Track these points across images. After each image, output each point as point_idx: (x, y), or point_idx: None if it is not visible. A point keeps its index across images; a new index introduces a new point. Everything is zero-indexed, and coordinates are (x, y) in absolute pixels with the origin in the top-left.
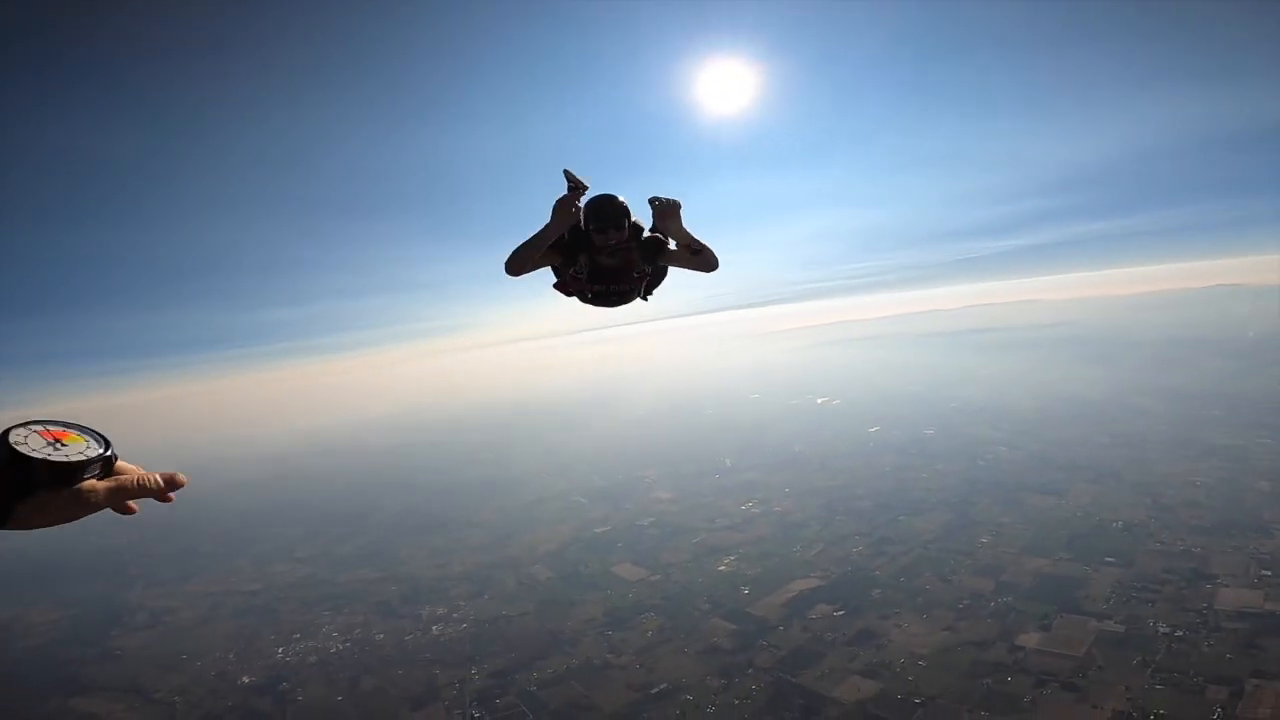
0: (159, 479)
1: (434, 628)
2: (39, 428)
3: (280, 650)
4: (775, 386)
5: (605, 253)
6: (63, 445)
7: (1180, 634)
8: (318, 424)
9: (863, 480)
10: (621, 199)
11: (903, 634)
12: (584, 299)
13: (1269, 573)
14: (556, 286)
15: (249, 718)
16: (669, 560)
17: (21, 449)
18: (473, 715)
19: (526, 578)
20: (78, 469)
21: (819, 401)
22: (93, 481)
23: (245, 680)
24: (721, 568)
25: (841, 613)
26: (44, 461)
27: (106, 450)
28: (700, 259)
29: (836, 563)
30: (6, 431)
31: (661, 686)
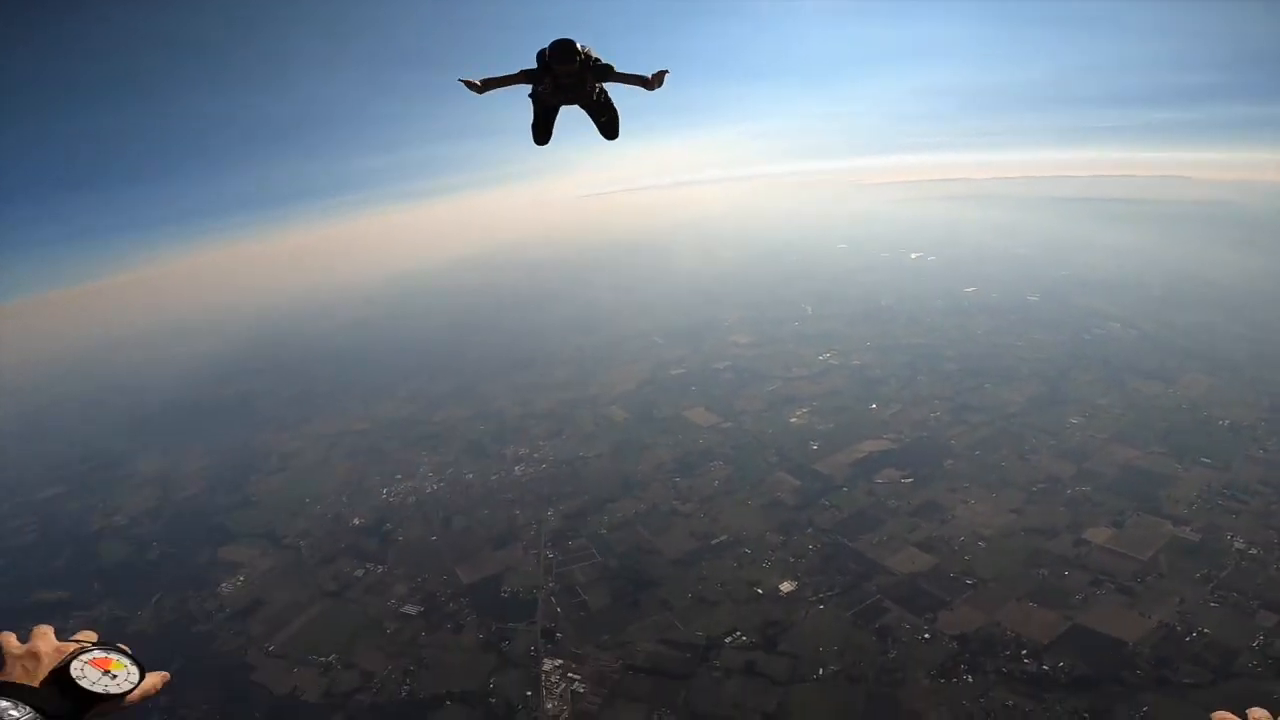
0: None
1: (516, 468)
2: (88, 657)
3: (384, 491)
4: (867, 239)
5: (563, 76)
6: (114, 675)
7: (1254, 552)
8: (412, 266)
9: (952, 341)
10: (574, 41)
11: (968, 511)
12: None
13: None
14: (531, 95)
15: (359, 558)
16: (741, 408)
17: (83, 684)
18: (546, 555)
19: (603, 418)
20: (125, 694)
21: (913, 256)
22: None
23: (356, 522)
24: (793, 420)
25: (909, 480)
26: (105, 694)
27: (141, 676)
28: (644, 82)
29: (912, 426)
30: (67, 666)
31: (722, 538)
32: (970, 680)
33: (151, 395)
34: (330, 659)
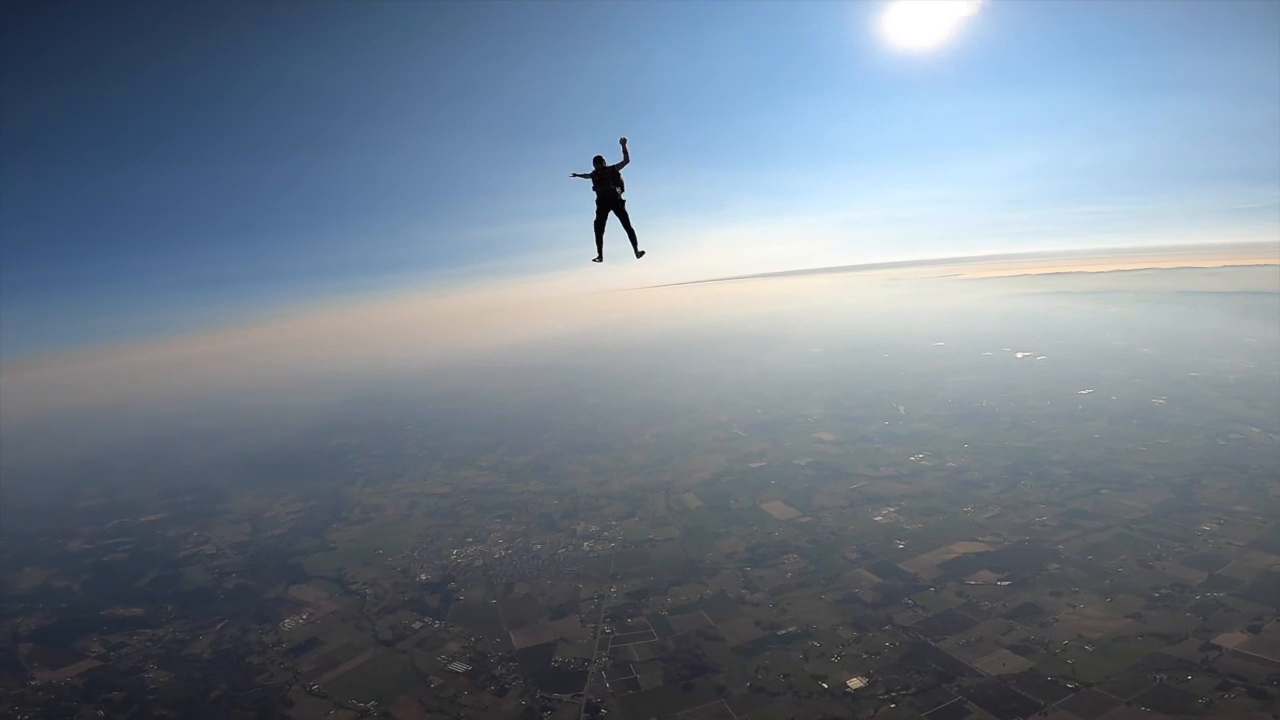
0: None
1: (585, 544)
2: None
3: (455, 552)
4: (967, 336)
5: (597, 173)
6: None
7: None
8: (505, 341)
9: (1062, 446)
10: (601, 157)
11: (1075, 615)
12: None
13: None
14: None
15: (419, 611)
16: (822, 504)
17: None
18: (604, 630)
19: (677, 504)
20: None
21: (1019, 356)
22: None
23: (422, 578)
24: (878, 518)
25: (1007, 583)
26: None
27: None
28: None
29: (1013, 530)
30: None
31: (790, 629)
32: None
33: (261, 439)
34: (369, 705)
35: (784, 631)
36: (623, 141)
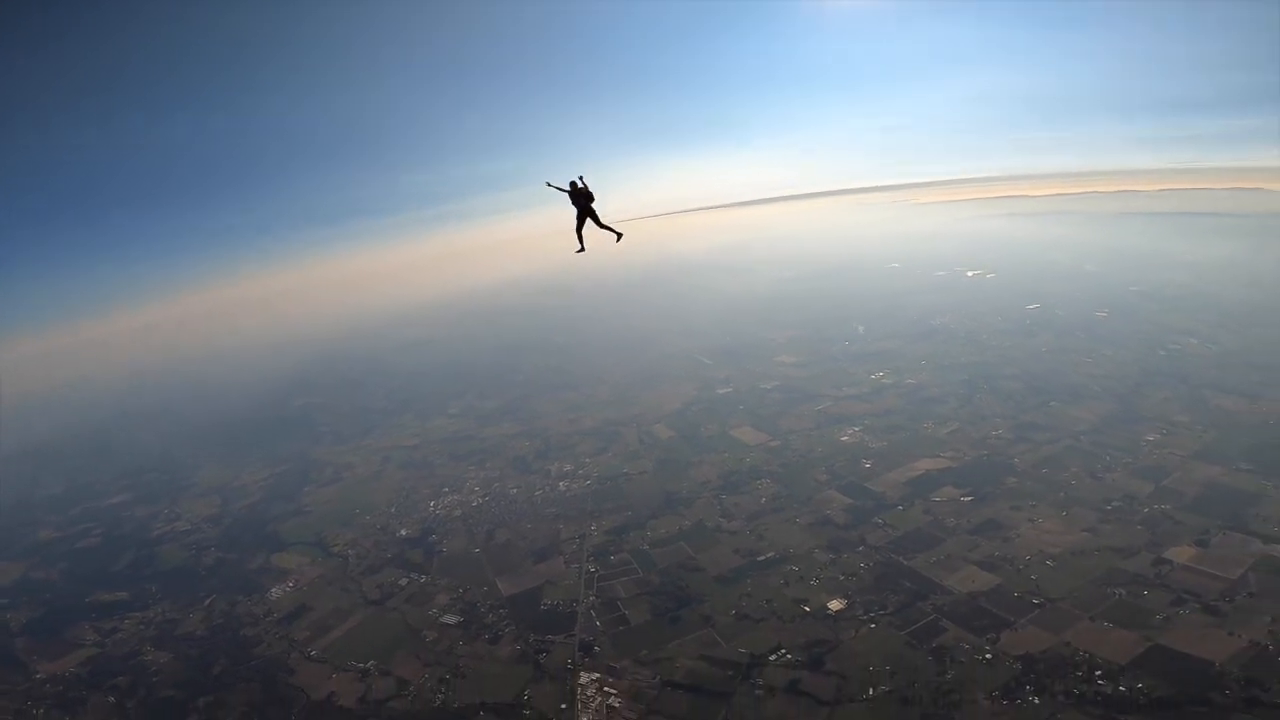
0: None
1: (561, 483)
2: None
3: (432, 504)
4: (922, 258)
5: (576, 191)
6: None
7: None
8: (463, 288)
9: (1013, 360)
10: (575, 182)
11: (1035, 530)
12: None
13: None
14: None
15: (403, 568)
16: (790, 426)
17: None
18: (588, 569)
19: (648, 436)
20: None
21: (970, 275)
22: None
23: (403, 533)
24: (844, 438)
25: (969, 498)
26: None
27: None
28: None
29: (971, 444)
30: None
31: (769, 555)
32: (1036, 701)
33: (218, 409)
34: (369, 665)
35: (763, 558)
36: (582, 180)
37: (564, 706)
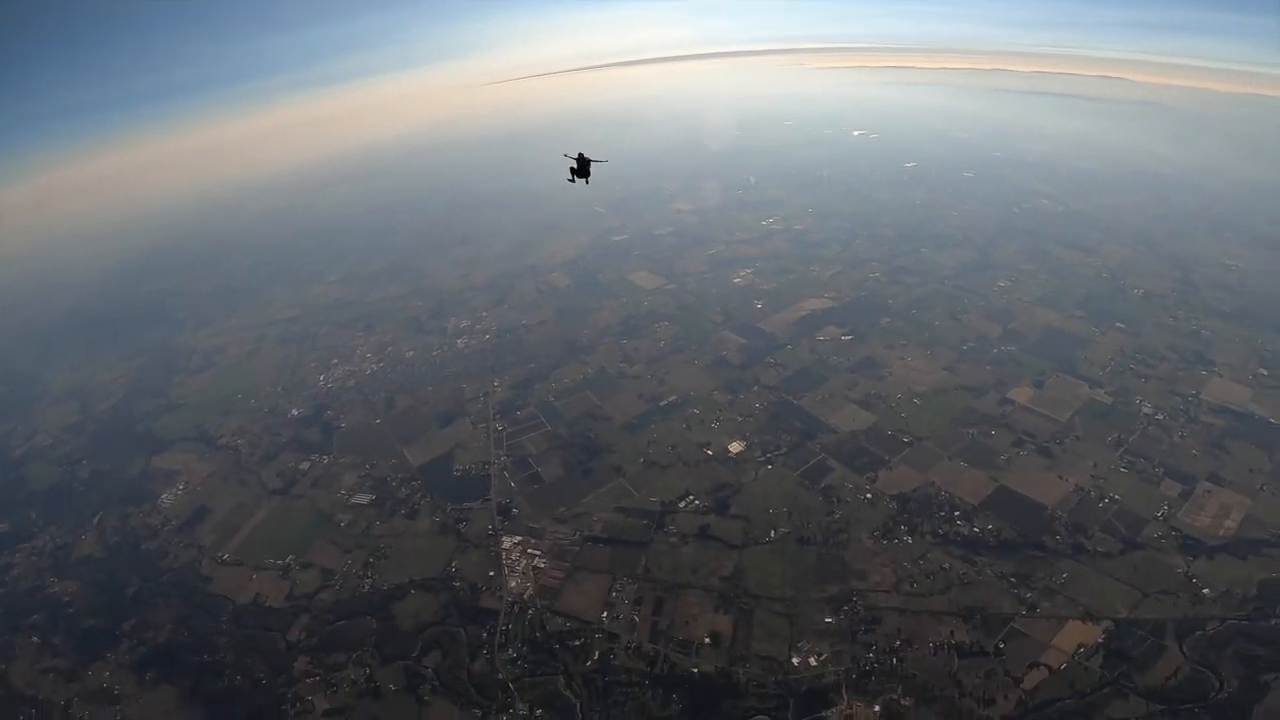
0: None
1: (459, 341)
2: None
3: (322, 377)
4: (811, 118)
5: (580, 162)
6: None
7: (1160, 417)
8: (333, 152)
9: (889, 210)
10: (583, 154)
11: (904, 367)
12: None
13: (1265, 372)
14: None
15: (302, 450)
16: (685, 269)
17: None
18: (496, 429)
19: (545, 285)
20: None
21: (855, 134)
22: None
23: (294, 413)
24: (737, 280)
25: (849, 337)
26: None
27: None
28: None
29: (852, 286)
30: None
31: (671, 399)
32: (909, 541)
33: (54, 306)
34: (287, 560)
35: (665, 402)
36: (583, 156)
37: (491, 574)
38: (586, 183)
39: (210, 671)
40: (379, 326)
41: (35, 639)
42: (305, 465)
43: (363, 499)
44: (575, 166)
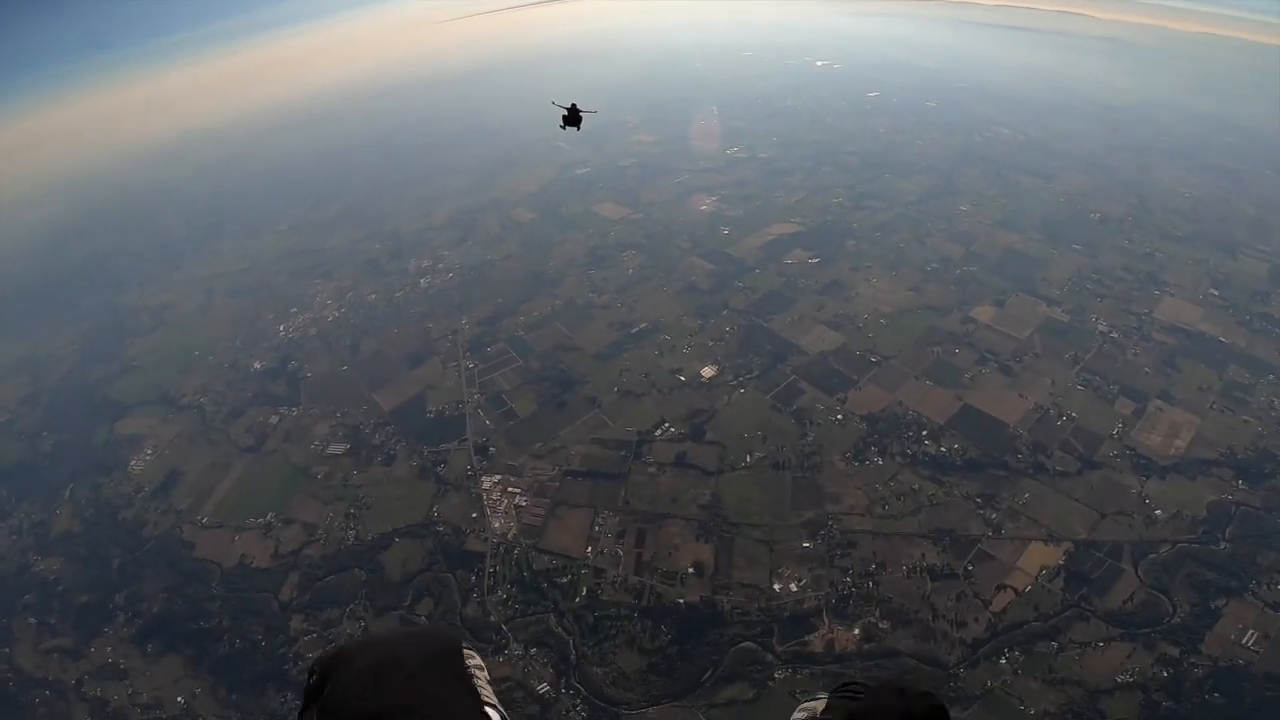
0: None
1: (421, 281)
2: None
3: (281, 328)
4: (773, 48)
5: (570, 111)
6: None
7: (1115, 335)
8: (275, 101)
9: (853, 138)
10: (575, 104)
11: (870, 289)
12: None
13: (1217, 292)
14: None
15: (269, 404)
16: (651, 199)
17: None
18: (467, 367)
19: (508, 220)
20: None
21: (818, 64)
22: None
23: (257, 366)
24: (704, 207)
25: (816, 260)
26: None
27: None
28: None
29: (817, 211)
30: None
31: (641, 326)
32: (880, 463)
33: None
34: (269, 519)
35: (636, 329)
36: (575, 106)
37: (474, 515)
38: (578, 129)
39: (210, 638)
40: (337, 272)
41: (32, 620)
42: (274, 419)
43: (337, 449)
44: (566, 115)
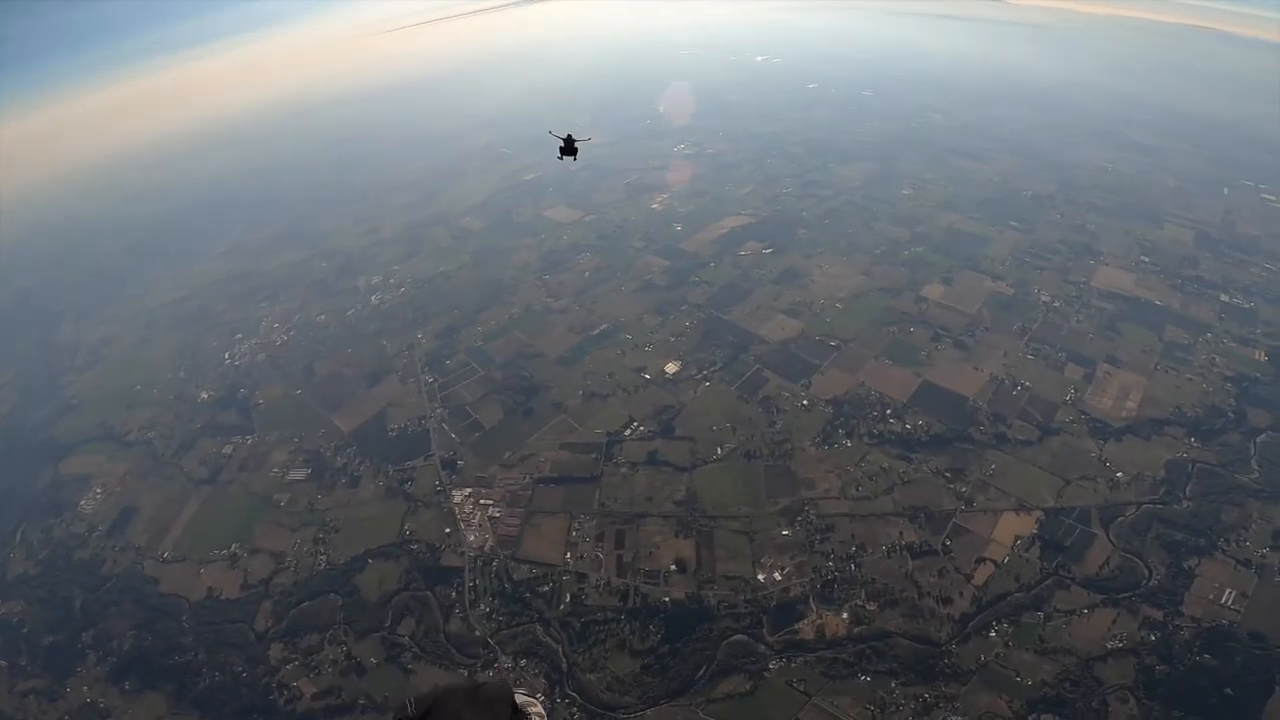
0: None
1: (373, 297)
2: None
3: (227, 355)
4: (712, 45)
5: (566, 142)
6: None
7: (1057, 304)
8: (203, 121)
9: (797, 129)
10: (571, 135)
11: (824, 275)
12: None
13: (1148, 259)
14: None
15: (221, 434)
16: (602, 200)
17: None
18: (427, 381)
19: (459, 231)
20: None
21: (758, 59)
22: None
23: (204, 396)
24: (655, 205)
25: (769, 250)
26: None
27: None
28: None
29: (767, 202)
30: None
31: (602, 327)
32: (849, 445)
33: None
34: (233, 549)
35: (597, 331)
36: (570, 137)
37: (448, 531)
38: (574, 159)
39: (188, 672)
40: (283, 295)
41: (3, 663)
42: (228, 449)
43: (299, 474)
44: (563, 146)
